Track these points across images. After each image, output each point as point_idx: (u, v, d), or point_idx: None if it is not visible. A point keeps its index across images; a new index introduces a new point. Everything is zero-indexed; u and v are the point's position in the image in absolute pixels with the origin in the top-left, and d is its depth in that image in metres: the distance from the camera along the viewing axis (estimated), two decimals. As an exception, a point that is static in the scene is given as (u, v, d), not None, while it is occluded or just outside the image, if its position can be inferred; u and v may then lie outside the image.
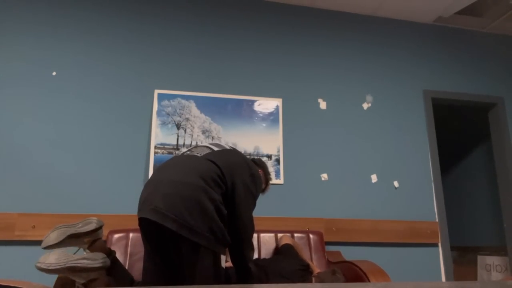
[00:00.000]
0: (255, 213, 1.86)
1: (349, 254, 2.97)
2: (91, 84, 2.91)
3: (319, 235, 2.74)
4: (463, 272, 4.54)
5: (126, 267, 2.27)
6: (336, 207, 3.08)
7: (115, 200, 2.73)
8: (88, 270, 1.80)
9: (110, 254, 1.95)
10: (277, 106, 3.18)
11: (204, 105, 3.04)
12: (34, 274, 2.48)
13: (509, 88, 3.81)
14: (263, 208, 2.91)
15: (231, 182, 1.72)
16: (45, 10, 2.97)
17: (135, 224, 2.62)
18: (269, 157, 3.05)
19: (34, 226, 2.54)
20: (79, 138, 2.79)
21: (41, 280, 2.46)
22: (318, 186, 3.09)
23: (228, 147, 1.90)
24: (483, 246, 4.37)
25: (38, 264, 1.74)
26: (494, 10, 3.60)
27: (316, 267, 2.44)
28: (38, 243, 2.53)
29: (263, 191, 2.11)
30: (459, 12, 3.60)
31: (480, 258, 4.35)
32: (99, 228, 1.93)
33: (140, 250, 2.34)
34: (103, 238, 2.12)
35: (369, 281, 2.17)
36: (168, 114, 2.95)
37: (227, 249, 1.74)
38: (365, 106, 3.39)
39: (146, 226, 1.65)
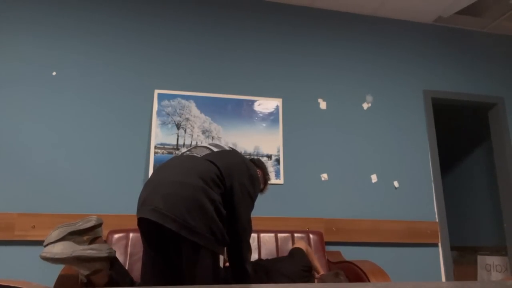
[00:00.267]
0: (255, 213, 1.86)
1: (349, 254, 2.97)
2: (91, 84, 2.92)
3: (319, 235, 2.75)
4: (463, 272, 4.54)
5: (126, 267, 2.28)
6: (336, 207, 3.08)
7: (115, 200, 2.73)
8: (94, 259, 1.80)
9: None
10: (277, 106, 3.18)
11: (204, 105, 3.04)
12: (34, 274, 2.48)
13: (509, 88, 3.81)
14: (263, 208, 2.91)
15: (230, 183, 1.72)
16: (45, 10, 2.97)
17: (135, 224, 2.61)
18: (269, 157, 3.05)
19: (34, 226, 2.54)
20: (79, 138, 2.80)
21: (41, 280, 2.46)
22: (318, 186, 3.09)
23: (227, 148, 1.91)
24: (483, 246, 4.37)
25: (44, 254, 1.73)
26: (494, 10, 3.60)
27: (322, 270, 2.43)
28: (38, 243, 2.53)
29: (261, 191, 2.11)
30: (459, 12, 3.60)
31: (480, 258, 4.35)
32: (99, 225, 1.93)
33: (140, 250, 2.33)
34: (103, 238, 2.12)
35: (369, 281, 2.18)
36: (168, 114, 2.95)
37: (225, 250, 1.75)
38: (365, 106, 3.39)
39: (146, 226, 1.65)
